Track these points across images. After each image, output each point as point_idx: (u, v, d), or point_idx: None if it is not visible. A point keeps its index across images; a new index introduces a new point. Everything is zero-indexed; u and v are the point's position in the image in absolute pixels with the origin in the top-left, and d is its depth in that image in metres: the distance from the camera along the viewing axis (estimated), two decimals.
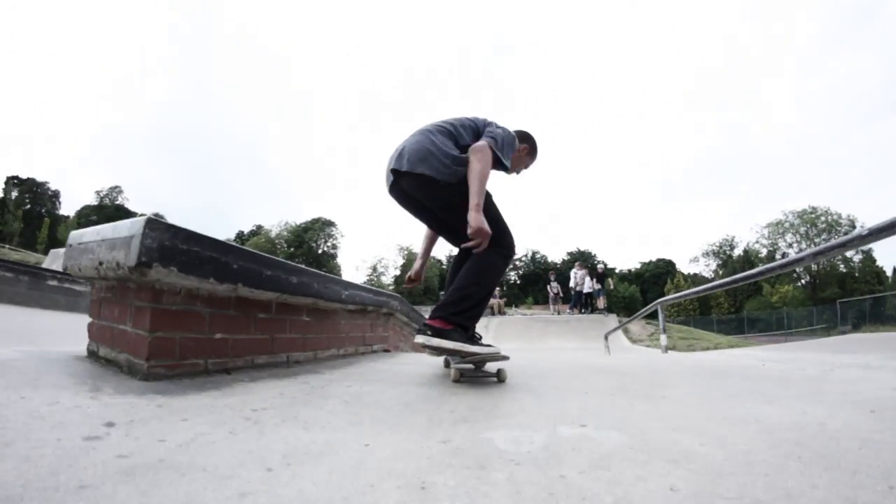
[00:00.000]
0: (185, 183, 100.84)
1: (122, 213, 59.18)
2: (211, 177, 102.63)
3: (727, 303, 47.89)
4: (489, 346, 1.76)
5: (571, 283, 15.41)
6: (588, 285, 15.28)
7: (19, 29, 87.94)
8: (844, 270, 49.70)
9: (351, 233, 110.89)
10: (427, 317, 1.83)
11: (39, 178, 61.79)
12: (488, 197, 1.88)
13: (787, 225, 54.48)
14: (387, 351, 3.16)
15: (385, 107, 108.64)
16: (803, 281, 52.23)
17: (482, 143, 1.84)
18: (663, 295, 52.40)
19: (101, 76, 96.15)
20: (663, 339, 5.60)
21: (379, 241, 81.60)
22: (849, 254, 48.92)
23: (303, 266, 1.96)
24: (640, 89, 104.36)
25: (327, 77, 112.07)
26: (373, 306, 2.89)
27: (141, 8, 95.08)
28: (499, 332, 12.47)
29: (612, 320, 14.27)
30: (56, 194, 63.10)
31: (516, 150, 2.13)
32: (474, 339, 1.83)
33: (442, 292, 2.96)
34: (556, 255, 71.63)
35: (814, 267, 50.80)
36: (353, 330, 2.62)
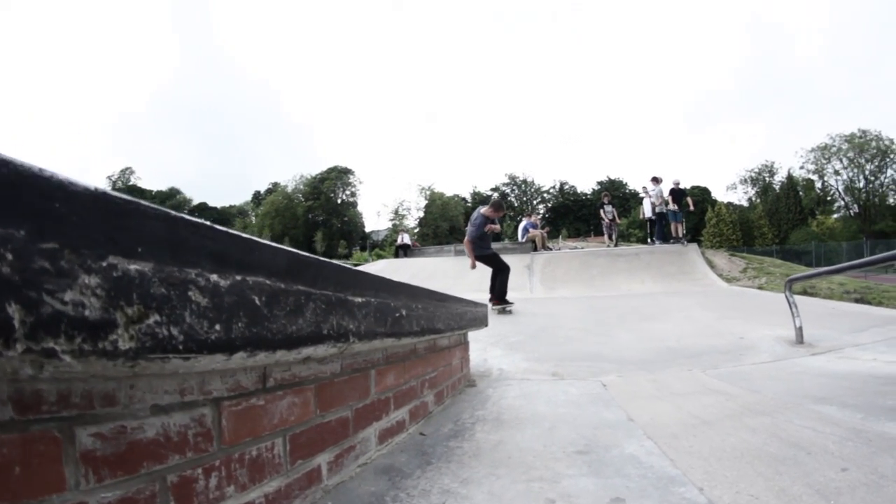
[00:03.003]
0: (199, 153, 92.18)
1: (136, 193, 53.45)
2: (224, 143, 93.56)
3: (771, 233, 43.10)
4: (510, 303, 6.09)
5: (647, 207, 11.02)
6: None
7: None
8: None
9: (370, 178, 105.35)
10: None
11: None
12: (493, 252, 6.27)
13: (833, 150, 48.88)
14: None
15: (395, 41, 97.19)
16: (852, 212, 47.17)
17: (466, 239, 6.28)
18: (703, 224, 47.53)
19: (98, 59, 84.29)
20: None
21: (400, 183, 75.99)
22: None
23: None
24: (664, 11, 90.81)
25: (331, 20, 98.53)
26: None
27: None
28: (546, 273, 8.44)
29: (694, 251, 10.54)
30: None
31: (488, 215, 6.06)
32: (506, 302, 6.02)
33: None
34: (586, 186, 65.79)
35: (863, 197, 45.79)
36: None
